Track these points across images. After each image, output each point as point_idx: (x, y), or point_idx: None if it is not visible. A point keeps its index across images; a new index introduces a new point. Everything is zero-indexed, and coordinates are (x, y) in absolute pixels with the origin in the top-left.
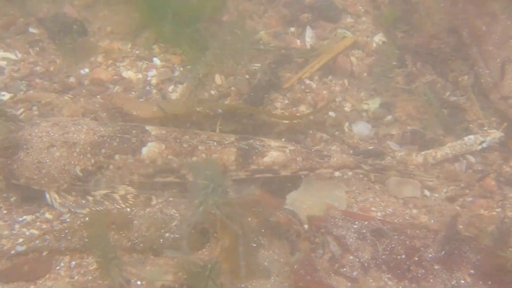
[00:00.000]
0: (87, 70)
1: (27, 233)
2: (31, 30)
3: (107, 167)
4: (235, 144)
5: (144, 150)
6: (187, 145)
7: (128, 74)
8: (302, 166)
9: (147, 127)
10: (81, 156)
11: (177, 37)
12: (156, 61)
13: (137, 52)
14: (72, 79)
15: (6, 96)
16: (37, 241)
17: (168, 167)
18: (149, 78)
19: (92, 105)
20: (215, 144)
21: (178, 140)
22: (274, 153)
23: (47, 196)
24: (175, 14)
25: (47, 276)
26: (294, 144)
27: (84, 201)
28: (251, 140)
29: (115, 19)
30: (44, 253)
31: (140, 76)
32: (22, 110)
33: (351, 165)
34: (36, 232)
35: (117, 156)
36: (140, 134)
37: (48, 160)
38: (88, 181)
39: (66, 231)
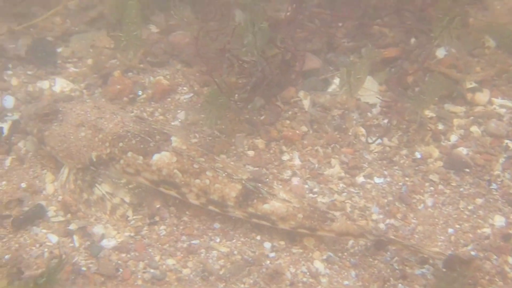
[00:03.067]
0: None
1: None
2: None
3: (118, 161)
4: (243, 182)
5: (156, 156)
6: (197, 166)
7: None
8: (301, 224)
9: (173, 138)
10: (100, 143)
11: None
12: None
13: None
14: None
15: None
16: None
17: (171, 180)
18: None
19: None
20: (223, 175)
21: (191, 159)
22: (276, 203)
23: (61, 169)
24: None
25: None
26: (302, 202)
27: (85, 194)
28: (261, 184)
29: None
30: None
31: None
32: None
33: (355, 234)
34: None
35: (129, 154)
36: (161, 141)
37: (72, 137)
38: (99, 169)
39: None
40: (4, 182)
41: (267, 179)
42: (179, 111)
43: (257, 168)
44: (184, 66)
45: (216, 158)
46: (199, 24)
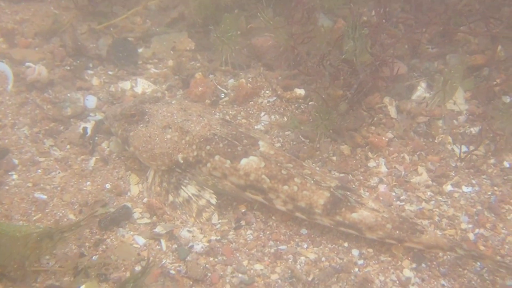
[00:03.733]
0: None
1: None
2: None
3: (205, 164)
4: (331, 189)
5: (244, 161)
6: (285, 172)
7: None
8: (389, 235)
9: (260, 142)
10: (187, 145)
11: None
12: None
13: None
14: None
15: None
16: None
17: (259, 185)
18: None
19: None
20: (312, 182)
21: (279, 164)
22: (365, 212)
23: (148, 172)
24: None
25: None
26: (391, 212)
27: (171, 196)
28: (349, 192)
29: None
30: None
31: None
32: None
33: (444, 247)
34: None
35: (217, 157)
36: (249, 145)
37: (158, 138)
38: (186, 171)
39: None
40: (88, 183)
41: (354, 186)
42: (262, 114)
43: (343, 174)
44: (266, 69)
45: (304, 164)
46: (287, 28)
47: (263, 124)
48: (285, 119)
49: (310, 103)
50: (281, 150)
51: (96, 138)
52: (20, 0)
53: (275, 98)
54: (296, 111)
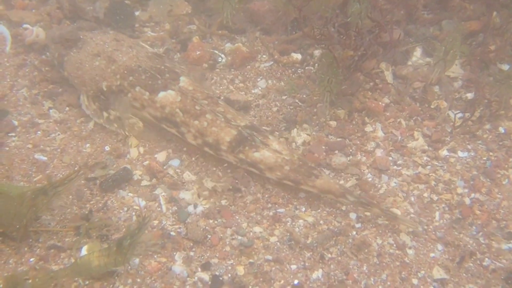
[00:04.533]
0: None
1: None
2: None
3: (126, 94)
4: (239, 128)
5: (161, 94)
6: (198, 108)
7: None
8: (286, 176)
9: (182, 78)
10: (112, 74)
11: None
12: None
13: None
14: None
15: None
16: None
17: (172, 118)
18: None
19: None
20: (222, 119)
21: (194, 100)
22: (267, 153)
23: (80, 96)
24: None
25: None
26: (293, 154)
27: (100, 114)
28: (256, 133)
29: None
30: None
31: None
32: None
33: (336, 193)
34: None
35: (137, 88)
36: (170, 80)
37: (87, 65)
38: (108, 98)
39: None
40: (88, 145)
41: (351, 150)
42: (259, 79)
43: (340, 139)
44: (263, 33)
45: (220, 103)
46: None
47: (260, 88)
48: (282, 83)
49: (306, 67)
50: (201, 87)
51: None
52: None
53: (272, 62)
54: (293, 76)
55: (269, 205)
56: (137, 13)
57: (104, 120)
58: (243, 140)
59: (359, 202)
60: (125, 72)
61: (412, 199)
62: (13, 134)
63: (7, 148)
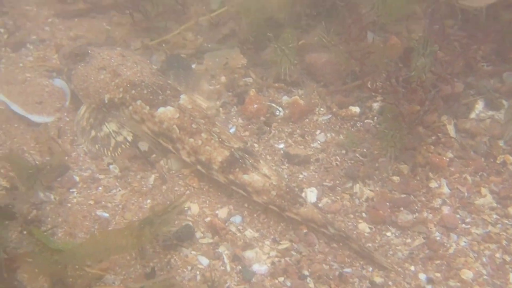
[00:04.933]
0: None
1: None
2: None
3: (127, 107)
4: (232, 150)
5: (161, 109)
6: (195, 126)
7: None
8: (272, 201)
9: (182, 96)
10: (115, 88)
11: None
12: None
13: None
14: None
15: None
16: None
17: (169, 134)
18: None
19: None
20: (216, 139)
21: (192, 118)
22: (256, 176)
23: (81, 107)
24: None
25: None
26: (281, 181)
27: (93, 131)
28: (248, 156)
29: None
30: None
31: None
32: None
33: (318, 223)
34: None
35: (139, 102)
36: (170, 96)
37: (92, 78)
38: (111, 111)
39: None
40: (148, 201)
41: (417, 207)
42: (318, 132)
43: (404, 195)
44: (320, 86)
45: (216, 123)
46: (344, 45)
47: (319, 142)
48: (341, 137)
49: (365, 120)
50: (200, 106)
51: (154, 155)
52: (73, 16)
53: (330, 115)
54: (352, 129)
55: (335, 264)
56: (193, 66)
57: (88, 140)
58: (234, 162)
59: (339, 236)
60: (128, 85)
61: (484, 259)
62: (74, 190)
63: (69, 204)
